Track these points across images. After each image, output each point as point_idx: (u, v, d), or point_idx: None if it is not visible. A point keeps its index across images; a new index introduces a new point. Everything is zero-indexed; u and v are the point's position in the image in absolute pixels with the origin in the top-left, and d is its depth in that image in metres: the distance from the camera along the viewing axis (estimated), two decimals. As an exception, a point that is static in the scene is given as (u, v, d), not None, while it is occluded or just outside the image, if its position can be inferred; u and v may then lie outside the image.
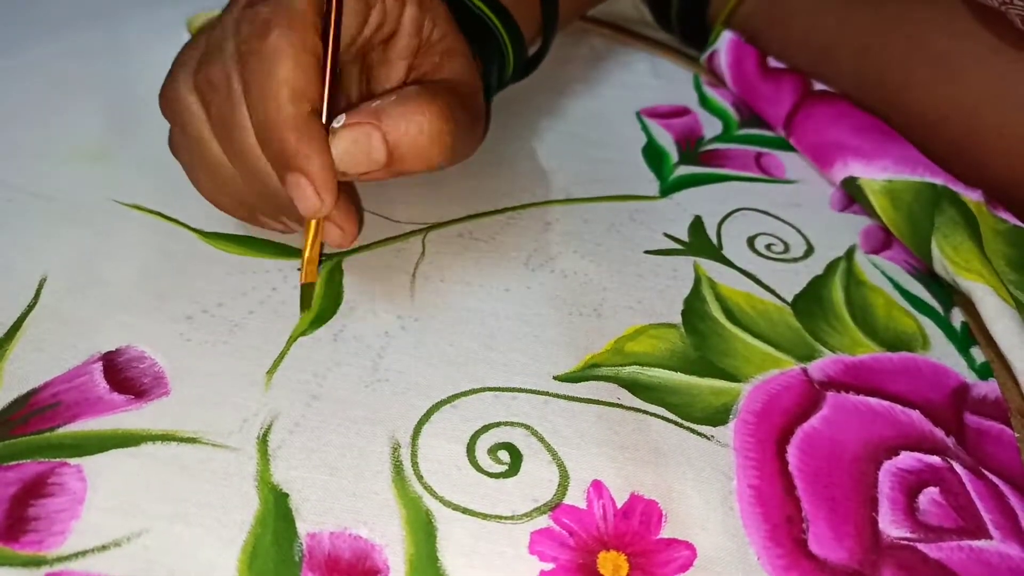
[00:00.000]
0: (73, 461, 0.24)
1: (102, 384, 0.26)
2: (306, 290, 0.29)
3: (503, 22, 0.35)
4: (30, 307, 0.28)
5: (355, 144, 0.26)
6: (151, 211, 0.33)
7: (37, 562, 0.22)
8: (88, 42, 0.43)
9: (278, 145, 0.26)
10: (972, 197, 0.37)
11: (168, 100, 0.28)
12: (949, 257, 0.35)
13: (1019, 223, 0.37)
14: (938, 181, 0.37)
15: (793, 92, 0.44)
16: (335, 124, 0.27)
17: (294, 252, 0.32)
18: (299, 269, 0.29)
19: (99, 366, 0.27)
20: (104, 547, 0.22)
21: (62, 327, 0.28)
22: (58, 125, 0.37)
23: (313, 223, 0.28)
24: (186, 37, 0.37)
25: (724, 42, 0.48)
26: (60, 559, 0.22)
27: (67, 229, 0.32)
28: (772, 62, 0.46)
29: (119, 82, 0.41)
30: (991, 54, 0.40)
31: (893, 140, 0.40)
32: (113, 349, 0.27)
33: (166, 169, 0.35)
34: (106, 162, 0.36)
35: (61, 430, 0.25)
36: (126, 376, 0.27)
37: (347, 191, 0.29)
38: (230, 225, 0.33)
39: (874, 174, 0.38)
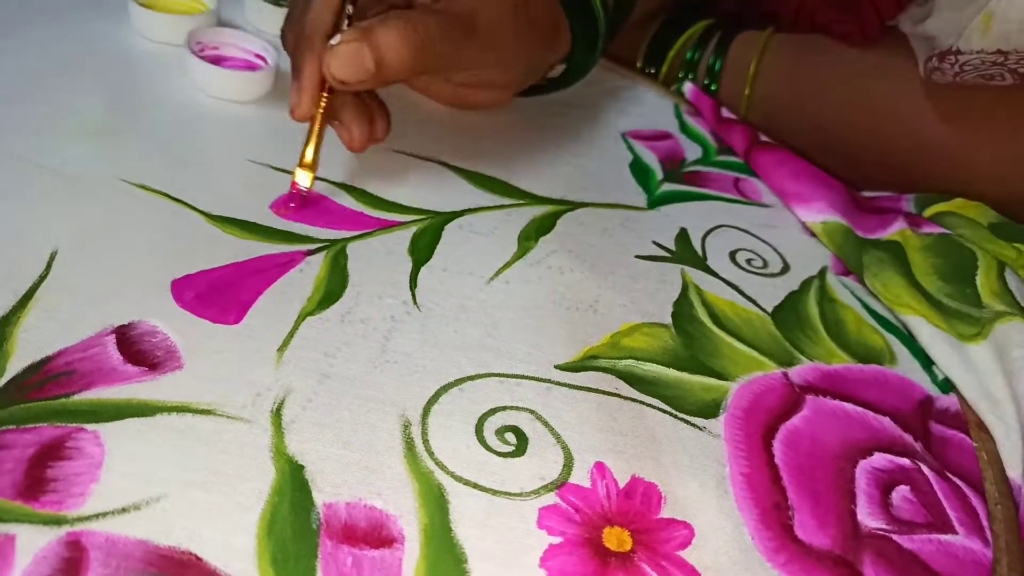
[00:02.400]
0: (90, 427, 0.24)
1: (116, 355, 0.27)
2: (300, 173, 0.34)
3: None
4: (41, 278, 0.29)
5: (348, 57, 0.32)
6: (157, 191, 0.34)
7: (58, 521, 0.22)
8: (86, 26, 0.43)
9: (292, 55, 0.35)
10: (892, 231, 0.40)
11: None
12: (881, 293, 0.37)
13: (945, 231, 0.39)
14: (858, 232, 0.40)
15: (743, 141, 0.47)
16: (332, 42, 0.33)
17: (299, 238, 0.33)
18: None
19: (112, 338, 0.27)
20: (124, 509, 0.23)
21: (73, 298, 0.28)
22: (61, 102, 0.37)
23: (317, 118, 0.34)
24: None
25: (687, 91, 0.52)
26: (81, 519, 0.22)
27: (75, 203, 0.32)
28: (724, 112, 0.49)
29: (119, 66, 0.42)
30: (983, 131, 0.45)
31: (826, 184, 0.43)
32: (125, 323, 0.28)
33: (171, 151, 0.36)
34: (111, 140, 0.36)
35: (77, 397, 0.25)
36: (139, 348, 0.27)
37: (360, 106, 0.36)
38: (238, 210, 0.34)
39: (812, 216, 0.42)
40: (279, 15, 0.46)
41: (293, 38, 0.35)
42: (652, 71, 0.56)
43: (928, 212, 0.42)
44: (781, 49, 0.52)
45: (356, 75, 0.32)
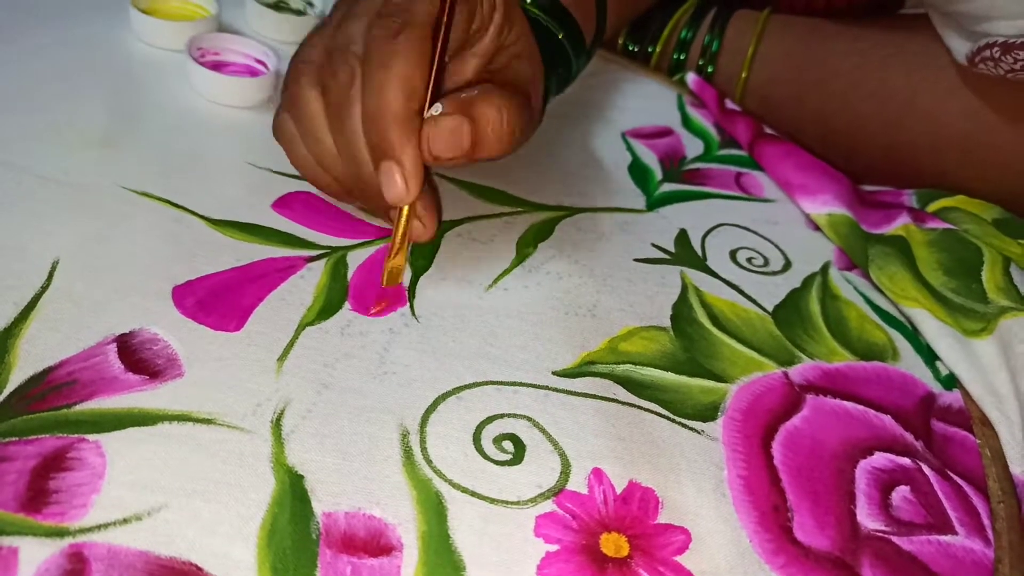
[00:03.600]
0: (91, 437, 0.25)
1: (117, 364, 0.27)
2: (393, 273, 0.31)
3: (568, 34, 0.38)
4: (43, 288, 0.29)
5: (451, 133, 0.30)
6: (159, 198, 0.34)
7: (60, 533, 0.22)
8: (85, 33, 0.44)
9: (380, 134, 0.29)
10: (896, 225, 0.40)
11: (292, 92, 0.32)
12: (886, 286, 0.37)
13: (949, 226, 0.39)
14: (863, 226, 0.40)
15: (747, 133, 0.46)
16: (433, 112, 0.30)
17: (300, 242, 0.33)
18: (388, 257, 0.31)
19: (113, 347, 0.27)
20: (126, 520, 0.23)
21: (76, 308, 0.28)
22: (62, 111, 0.37)
23: (405, 212, 0.31)
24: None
25: (690, 81, 0.51)
26: (83, 531, 0.22)
27: (77, 212, 0.32)
28: (728, 104, 0.49)
29: (119, 73, 0.42)
30: (1006, 125, 0.44)
31: (831, 177, 0.43)
32: (127, 331, 0.28)
33: (172, 158, 0.36)
34: (112, 149, 0.36)
35: (78, 407, 0.25)
36: (140, 357, 0.27)
37: (430, 192, 0.33)
38: (239, 214, 0.34)
39: (817, 208, 0.42)
40: (280, 20, 0.46)
41: (373, 113, 0.30)
42: (635, 49, 0.55)
43: (932, 207, 0.42)
44: (783, 32, 0.52)
45: (454, 152, 0.30)
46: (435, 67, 0.30)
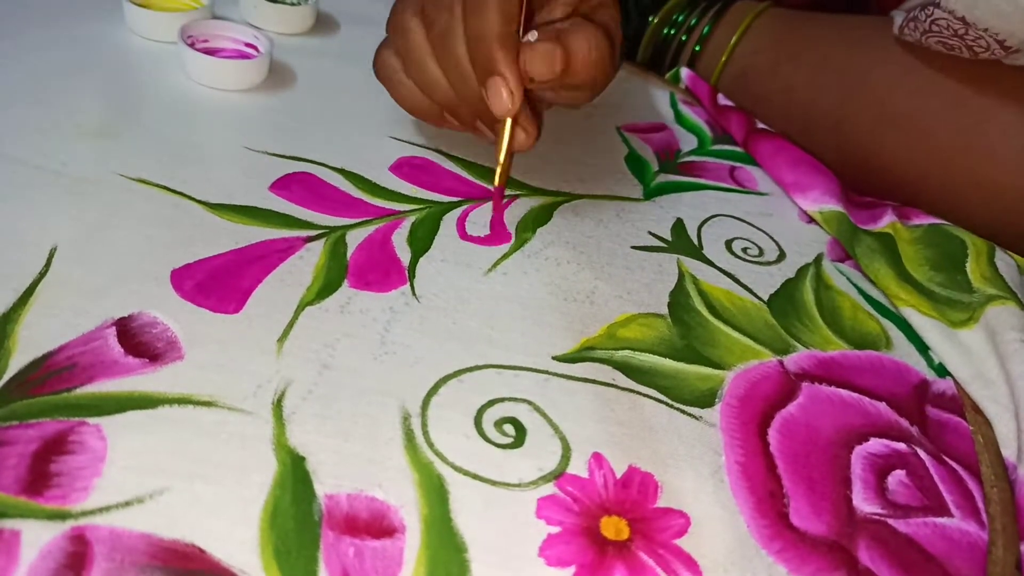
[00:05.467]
0: (92, 420, 0.25)
1: (116, 348, 0.27)
2: (503, 174, 0.36)
3: None
4: (41, 274, 0.29)
5: (545, 55, 0.33)
6: (156, 184, 0.34)
7: (62, 516, 0.22)
8: (81, 28, 0.43)
9: (485, 54, 0.33)
10: (882, 224, 0.40)
11: (396, 23, 0.36)
12: (871, 282, 0.37)
13: (934, 220, 0.40)
14: (853, 220, 0.40)
15: (740, 129, 0.47)
16: (529, 38, 0.34)
17: (299, 223, 0.33)
18: (495, 169, 0.35)
19: (113, 331, 0.27)
20: (127, 503, 0.23)
21: (74, 294, 0.28)
22: (58, 103, 0.37)
23: (508, 124, 0.34)
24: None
25: (684, 76, 0.52)
26: (85, 513, 0.22)
27: (74, 201, 0.32)
28: (721, 99, 0.49)
29: (114, 65, 0.42)
30: (952, 108, 0.44)
31: (821, 173, 0.43)
32: (126, 315, 0.28)
33: (168, 146, 0.36)
34: (109, 138, 0.36)
35: (78, 391, 0.25)
36: (140, 340, 0.27)
37: (532, 106, 0.36)
38: (237, 197, 0.34)
39: (809, 205, 0.42)
40: (274, 11, 0.46)
41: (476, 34, 0.33)
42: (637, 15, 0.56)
43: None
44: (774, 18, 0.52)
45: (548, 74, 0.33)
46: None
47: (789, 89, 0.50)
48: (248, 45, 0.43)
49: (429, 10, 0.35)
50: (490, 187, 0.38)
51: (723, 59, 0.52)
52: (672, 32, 0.55)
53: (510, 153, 0.35)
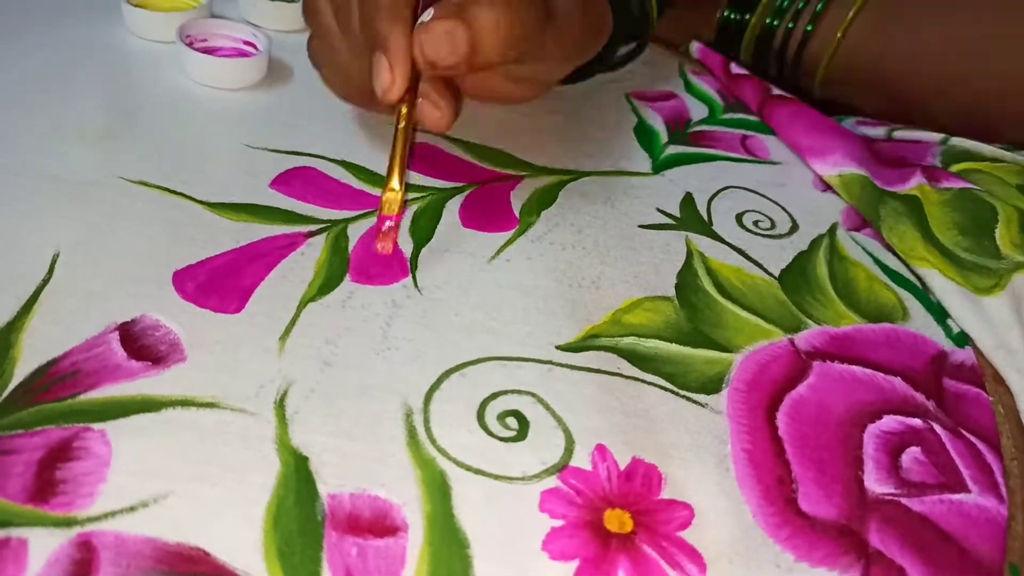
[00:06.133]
0: (96, 426, 0.25)
1: (120, 352, 0.27)
2: (389, 202, 0.31)
3: None
4: (45, 281, 0.29)
5: (442, 35, 0.29)
6: (156, 186, 0.34)
7: (68, 523, 0.22)
8: (79, 30, 0.43)
9: (371, 27, 0.30)
10: (910, 185, 0.39)
11: (309, 8, 0.34)
12: (897, 246, 0.37)
13: (965, 184, 0.39)
14: (877, 182, 0.39)
15: (755, 96, 0.45)
16: (423, 18, 0.30)
17: (300, 219, 0.33)
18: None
19: (115, 335, 0.28)
20: (132, 508, 0.23)
21: (77, 300, 0.28)
22: (57, 106, 0.37)
23: (403, 112, 0.30)
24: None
25: (694, 50, 0.50)
26: (91, 519, 0.23)
27: (76, 206, 0.32)
28: (735, 68, 0.48)
29: (113, 67, 0.42)
30: None
31: (841, 136, 0.42)
32: (128, 319, 0.28)
33: (169, 147, 0.36)
34: (109, 141, 0.36)
35: (82, 397, 0.26)
36: (143, 344, 0.27)
37: (445, 82, 0.32)
38: (237, 195, 0.34)
39: (827, 169, 0.41)
40: (273, 9, 0.46)
41: (366, 8, 0.31)
42: (735, 17, 0.54)
43: (955, 168, 0.41)
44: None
45: (449, 57, 0.29)
46: None
47: (940, 55, 0.48)
48: (247, 43, 0.43)
49: None
50: (496, 169, 0.38)
51: (839, 33, 0.50)
52: (776, 22, 0.52)
53: (405, 143, 0.30)
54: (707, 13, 0.55)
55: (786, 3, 0.52)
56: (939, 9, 0.48)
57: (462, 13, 0.29)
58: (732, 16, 0.54)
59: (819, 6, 0.51)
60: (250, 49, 0.43)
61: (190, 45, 0.41)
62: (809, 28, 0.51)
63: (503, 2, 0.30)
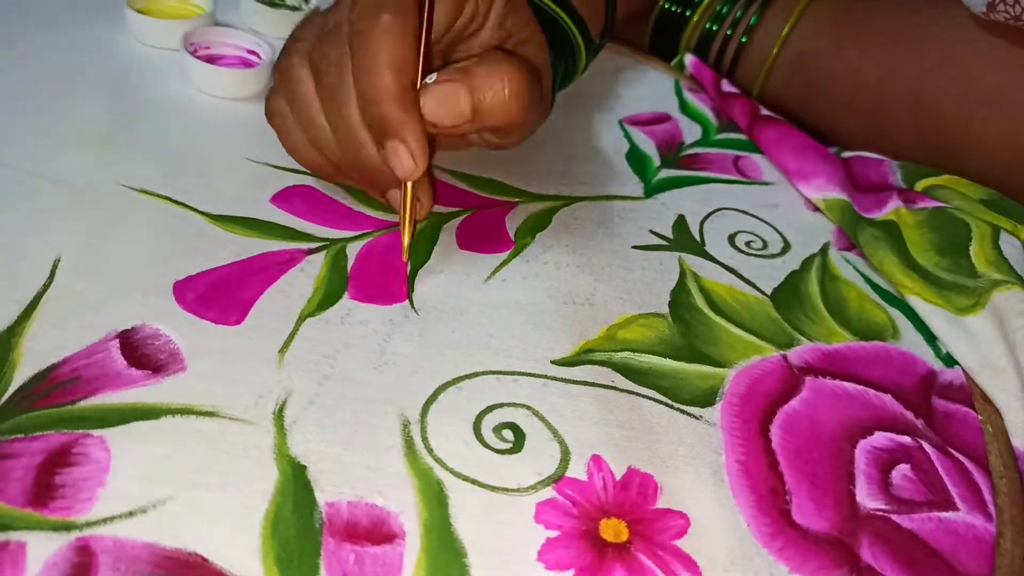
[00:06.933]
0: (96, 432, 0.25)
1: (120, 360, 0.27)
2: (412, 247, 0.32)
3: (576, 25, 0.38)
4: (46, 286, 0.29)
5: (445, 99, 0.30)
6: (159, 195, 0.34)
7: (67, 527, 0.23)
8: (83, 34, 0.44)
9: (380, 114, 0.29)
10: (886, 211, 0.39)
11: (283, 71, 0.33)
12: (879, 270, 0.37)
13: (939, 204, 0.39)
14: (857, 208, 0.40)
15: (744, 117, 0.46)
16: (427, 81, 0.30)
17: (300, 236, 0.34)
18: (401, 230, 0.32)
19: (116, 343, 0.28)
20: (131, 513, 0.23)
21: (78, 305, 0.29)
22: (60, 111, 0.38)
23: (409, 188, 0.31)
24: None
25: (688, 63, 0.51)
26: (89, 524, 0.23)
27: (77, 211, 0.33)
28: (725, 86, 0.49)
29: (116, 72, 0.42)
30: None
31: (824, 160, 0.43)
32: (129, 327, 0.28)
33: (171, 154, 0.37)
34: (111, 148, 0.36)
35: (82, 403, 0.26)
36: (143, 352, 0.28)
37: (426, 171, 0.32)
38: (239, 208, 0.34)
39: (812, 192, 0.42)
40: (276, 17, 0.46)
41: (369, 94, 0.30)
42: (674, 10, 0.54)
43: (919, 186, 0.42)
44: (829, 2, 0.51)
45: (452, 119, 0.30)
46: (424, 37, 0.30)
47: (857, 70, 0.49)
48: (250, 52, 0.43)
49: (316, 59, 0.31)
50: (491, 196, 0.38)
51: (775, 49, 0.51)
52: (715, 27, 0.54)
53: (413, 220, 0.32)
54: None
55: (725, 9, 0.53)
56: (880, 23, 0.49)
57: (466, 76, 0.30)
58: (672, 8, 0.55)
59: (753, 19, 0.52)
60: (253, 58, 0.43)
61: (193, 53, 0.42)
62: (744, 39, 0.53)
63: (508, 68, 0.30)
